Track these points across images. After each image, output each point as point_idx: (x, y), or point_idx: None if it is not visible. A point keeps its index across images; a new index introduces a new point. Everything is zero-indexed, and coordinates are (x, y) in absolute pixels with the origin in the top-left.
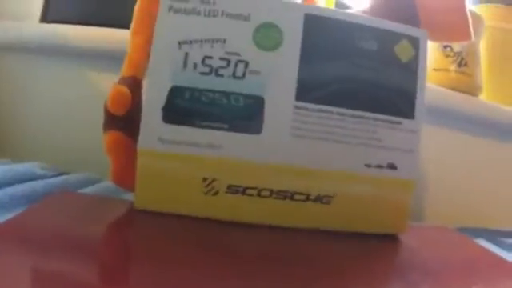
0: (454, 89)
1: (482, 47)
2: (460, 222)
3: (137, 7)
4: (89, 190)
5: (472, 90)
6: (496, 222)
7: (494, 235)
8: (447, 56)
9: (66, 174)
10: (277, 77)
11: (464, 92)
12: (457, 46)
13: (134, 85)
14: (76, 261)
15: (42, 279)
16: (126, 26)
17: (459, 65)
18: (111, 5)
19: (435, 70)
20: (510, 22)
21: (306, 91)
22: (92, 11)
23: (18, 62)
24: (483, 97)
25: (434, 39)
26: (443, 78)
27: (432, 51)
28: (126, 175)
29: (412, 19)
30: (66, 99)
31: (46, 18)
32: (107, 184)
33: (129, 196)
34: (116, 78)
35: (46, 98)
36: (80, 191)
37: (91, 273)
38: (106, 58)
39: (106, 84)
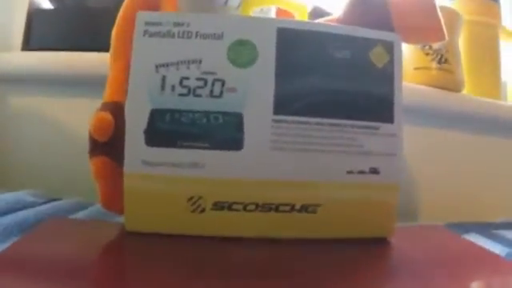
0: (436, 86)
1: (462, 42)
2: (454, 217)
3: (114, 33)
4: (80, 214)
5: (454, 86)
6: (490, 215)
7: (486, 228)
8: (427, 54)
9: (57, 199)
10: (254, 92)
11: (446, 89)
12: (436, 44)
13: (116, 109)
14: (72, 286)
15: None
16: (108, 48)
17: (439, 62)
18: (92, 29)
19: (416, 68)
20: (488, 16)
21: (283, 104)
22: (74, 36)
23: (3, 92)
24: (466, 92)
25: (409, 42)
26: (424, 77)
27: (411, 50)
28: (114, 199)
29: (386, 24)
30: (53, 126)
31: (27, 46)
32: (98, 208)
33: (120, 218)
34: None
35: (32, 126)
36: (71, 216)
37: None
38: (91, 82)
39: (93, 109)
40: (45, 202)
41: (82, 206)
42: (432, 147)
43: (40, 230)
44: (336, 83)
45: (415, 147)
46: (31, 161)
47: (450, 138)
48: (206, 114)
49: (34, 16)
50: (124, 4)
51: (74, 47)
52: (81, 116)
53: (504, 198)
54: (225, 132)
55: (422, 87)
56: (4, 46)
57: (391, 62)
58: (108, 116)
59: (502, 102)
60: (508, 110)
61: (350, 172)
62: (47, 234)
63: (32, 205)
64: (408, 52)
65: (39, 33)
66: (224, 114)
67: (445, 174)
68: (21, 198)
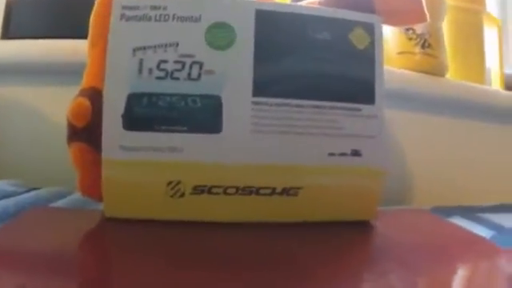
0: (419, 71)
1: (445, 27)
2: (438, 202)
3: (92, 19)
4: (60, 203)
5: (438, 71)
6: (474, 200)
7: (471, 212)
8: (410, 39)
9: (37, 189)
10: (232, 75)
11: (430, 73)
12: (419, 28)
13: (93, 95)
14: (55, 275)
15: None
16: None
17: (423, 46)
18: (71, 16)
19: (399, 53)
20: (472, 2)
21: (262, 86)
22: (53, 24)
23: None
24: (449, 76)
25: (391, 24)
26: (408, 61)
27: (394, 35)
28: (93, 186)
29: (367, 6)
30: (34, 115)
31: (6, 34)
32: (78, 196)
33: (100, 206)
34: None
35: (13, 116)
36: (52, 205)
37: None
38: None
39: (73, 97)
40: (25, 192)
41: (62, 195)
42: (415, 132)
43: (20, 219)
44: (316, 65)
45: (398, 132)
46: (13, 151)
47: (434, 123)
48: (184, 97)
49: (13, 5)
50: None
51: (53, 35)
52: (61, 104)
53: (488, 183)
54: (203, 115)
55: (406, 72)
56: None
57: (372, 43)
58: (85, 101)
59: (485, 87)
60: (492, 94)
61: (331, 154)
62: (28, 222)
63: (12, 194)
64: (391, 37)
65: (18, 21)
66: (202, 96)
67: (428, 158)
68: (0, 188)
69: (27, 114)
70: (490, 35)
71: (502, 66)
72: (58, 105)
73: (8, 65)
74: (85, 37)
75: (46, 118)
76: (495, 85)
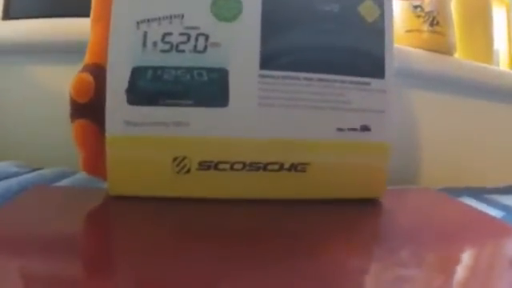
0: (427, 49)
1: (454, 8)
2: (445, 181)
3: None
4: (63, 182)
5: (446, 49)
6: (483, 180)
7: (479, 193)
8: (418, 16)
9: (40, 169)
10: (239, 47)
11: (438, 51)
12: (427, 6)
13: (96, 71)
14: (58, 254)
15: (25, 275)
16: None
17: (431, 24)
18: None
19: (407, 31)
20: None
21: (270, 59)
22: (54, 3)
23: None
24: (457, 56)
25: None
26: (416, 39)
27: (402, 12)
28: (96, 163)
29: None
30: (37, 95)
31: (8, 15)
32: (82, 176)
33: (105, 184)
34: None
35: (16, 96)
36: (55, 185)
37: (74, 265)
38: (74, 49)
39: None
40: (28, 172)
41: (66, 174)
42: (422, 110)
43: (23, 198)
44: (324, 38)
45: (406, 110)
46: (17, 131)
47: (441, 102)
48: (190, 70)
49: None
50: None
51: (54, 14)
52: (65, 83)
53: (495, 163)
54: (209, 88)
55: (414, 50)
56: None
57: (382, 16)
58: (88, 76)
59: (493, 67)
60: (499, 74)
61: (340, 129)
62: (30, 201)
63: (15, 175)
64: (399, 14)
65: (19, 1)
66: (208, 69)
67: (435, 138)
68: (4, 169)
69: (30, 94)
70: (499, 16)
71: (510, 47)
72: (61, 84)
73: (10, 45)
74: (87, 15)
75: (49, 98)
76: (503, 66)
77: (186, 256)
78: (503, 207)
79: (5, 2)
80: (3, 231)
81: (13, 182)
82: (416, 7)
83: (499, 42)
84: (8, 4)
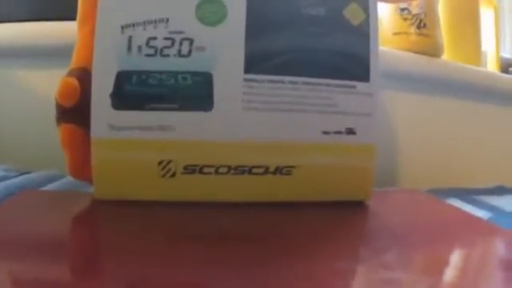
0: (415, 51)
1: (441, 9)
2: (434, 183)
3: None
4: (51, 186)
5: (434, 52)
6: (470, 181)
7: (467, 194)
8: (405, 19)
9: (28, 173)
10: (223, 51)
11: (426, 54)
12: (415, 8)
13: (82, 75)
14: (45, 257)
15: (12, 278)
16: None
17: (418, 27)
18: None
19: (395, 34)
20: None
21: (254, 63)
22: (39, 6)
23: None
24: (445, 57)
25: (386, 0)
26: (404, 42)
27: (390, 15)
28: (82, 167)
29: None
30: (22, 99)
31: None
32: (69, 180)
33: (91, 189)
34: None
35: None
36: (43, 189)
37: (61, 268)
38: (60, 53)
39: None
40: (16, 176)
41: (54, 178)
42: (410, 112)
43: (10, 203)
44: (310, 41)
45: (394, 112)
46: (3, 134)
47: (430, 104)
48: (174, 74)
49: None
50: None
51: (40, 17)
52: (50, 88)
53: (482, 163)
54: (194, 92)
55: (401, 52)
56: None
57: (367, 20)
58: (73, 81)
59: (481, 69)
60: (487, 76)
61: (325, 132)
62: (17, 205)
63: (2, 179)
64: (387, 17)
65: (4, 5)
66: (193, 73)
67: (423, 140)
68: None
69: (15, 97)
70: (487, 17)
71: (498, 50)
72: (47, 88)
73: None
74: (73, 18)
75: (36, 101)
76: (491, 67)
77: (172, 259)
78: (491, 208)
79: None
80: None
81: (0, 187)
82: (403, 10)
83: (487, 44)
84: None
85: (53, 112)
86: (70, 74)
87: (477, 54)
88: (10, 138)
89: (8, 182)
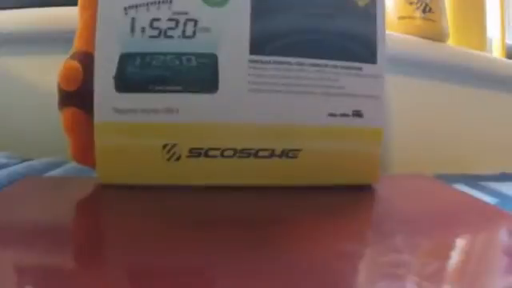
0: (420, 36)
1: None
2: (438, 169)
3: None
4: (54, 173)
5: (439, 36)
6: (473, 168)
7: (473, 180)
8: (411, 3)
9: (30, 160)
10: (228, 32)
11: (431, 39)
12: None
13: (85, 59)
14: (47, 245)
15: (16, 265)
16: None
17: (424, 11)
18: None
19: (400, 18)
20: None
21: (260, 44)
22: None
23: None
24: (451, 43)
25: None
26: (409, 26)
27: (395, 0)
28: (86, 152)
29: None
30: (23, 86)
31: None
32: (72, 165)
33: (95, 174)
34: None
35: (4, 87)
36: (45, 175)
37: (66, 254)
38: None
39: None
40: (18, 163)
41: (56, 165)
42: (415, 97)
43: (13, 189)
44: (316, 22)
45: (398, 97)
46: (5, 123)
47: (434, 89)
48: (179, 55)
49: None
50: None
51: (41, 3)
52: (52, 72)
53: (486, 149)
54: (198, 74)
55: (407, 36)
56: None
57: (373, 1)
58: (75, 64)
59: (486, 54)
60: (493, 62)
61: (332, 115)
62: (20, 192)
63: (5, 166)
64: (392, 1)
65: None
66: (197, 55)
67: (427, 125)
68: None
69: (13, 84)
70: (492, 3)
71: (503, 36)
72: (47, 73)
73: None
74: (74, 4)
75: (37, 88)
76: (496, 53)
77: (177, 243)
78: (497, 194)
79: None
80: None
81: (2, 174)
82: None
83: (493, 30)
84: None
85: (54, 98)
86: (72, 57)
87: (482, 40)
88: (10, 126)
89: (10, 169)
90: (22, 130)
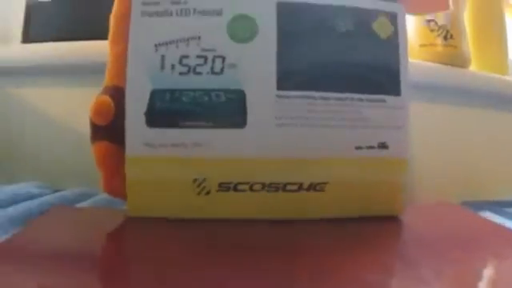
0: (442, 63)
1: (467, 18)
2: (464, 194)
3: (112, 16)
4: (84, 204)
5: (461, 62)
6: (497, 194)
7: (497, 206)
8: (432, 30)
9: (62, 190)
10: (255, 68)
11: (453, 65)
12: (441, 19)
13: (116, 93)
14: (75, 274)
15: None
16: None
17: (445, 38)
18: (91, 17)
19: (421, 45)
20: None
21: (286, 79)
22: (73, 26)
23: (5, 85)
24: (472, 68)
25: (413, 11)
26: (430, 53)
27: (416, 27)
28: (117, 185)
29: None
30: (57, 117)
31: (27, 38)
32: (103, 197)
33: (125, 206)
34: None
35: (35, 118)
36: (76, 206)
37: (94, 285)
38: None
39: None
40: (49, 193)
41: (87, 196)
42: (439, 124)
43: (44, 219)
44: (339, 56)
45: (422, 124)
46: (34, 153)
47: (458, 114)
48: (208, 91)
49: (33, 7)
50: None
51: (74, 37)
52: (84, 105)
53: (510, 174)
54: (227, 109)
55: (429, 64)
56: (4, 39)
57: (396, 32)
58: (107, 99)
59: (508, 78)
60: None
61: (358, 148)
62: (51, 222)
63: (36, 196)
64: (413, 29)
65: (39, 24)
66: (226, 91)
67: (453, 150)
68: (25, 190)
69: (47, 115)
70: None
71: None
72: (80, 105)
73: (28, 67)
74: (105, 37)
75: (67, 120)
76: None
77: (206, 275)
78: None
79: (25, 25)
80: (25, 252)
81: (34, 204)
82: (429, 21)
83: None
84: (28, 27)
85: (85, 130)
86: (104, 91)
87: (503, 63)
88: (38, 156)
89: (42, 199)
90: (56, 159)
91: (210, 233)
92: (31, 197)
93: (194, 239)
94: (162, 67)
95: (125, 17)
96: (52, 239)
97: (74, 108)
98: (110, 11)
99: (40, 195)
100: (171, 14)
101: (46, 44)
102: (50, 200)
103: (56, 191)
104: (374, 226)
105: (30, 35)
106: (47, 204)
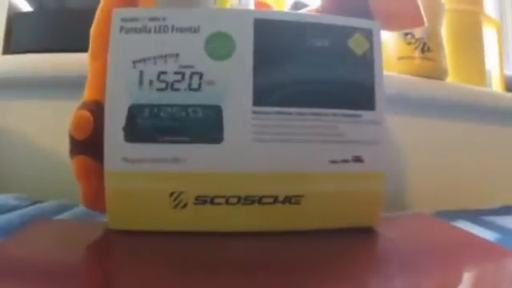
0: (420, 75)
1: (445, 31)
2: (443, 206)
3: (92, 31)
4: (63, 216)
5: (438, 75)
6: (478, 203)
7: (473, 215)
8: (409, 43)
9: (40, 202)
10: (232, 84)
11: (430, 77)
12: (418, 33)
13: (95, 108)
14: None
15: None
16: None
17: (422, 51)
18: (73, 30)
19: (399, 58)
20: (470, 3)
21: (263, 95)
22: (55, 38)
23: None
24: (450, 80)
25: (388, 29)
26: (408, 66)
27: (394, 40)
28: (96, 198)
29: (364, 12)
30: (38, 129)
31: (8, 49)
32: (82, 209)
33: (104, 218)
34: None
35: (17, 131)
36: (56, 218)
37: None
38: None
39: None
40: (29, 205)
41: (67, 208)
42: (417, 136)
43: (24, 232)
44: (315, 72)
45: (401, 137)
46: (17, 165)
47: (436, 127)
48: (185, 107)
49: (14, 19)
50: (101, 3)
51: (55, 49)
52: (65, 118)
53: (491, 186)
54: (204, 125)
55: (406, 76)
56: None
57: (371, 49)
58: (86, 114)
59: (486, 89)
60: (493, 96)
61: (333, 161)
62: (32, 235)
63: (16, 208)
64: (391, 42)
65: (20, 36)
66: (203, 107)
67: (431, 163)
68: (4, 201)
69: (29, 127)
70: (489, 37)
71: (502, 68)
72: (60, 118)
73: (9, 79)
74: (86, 50)
75: (48, 132)
76: (496, 87)
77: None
78: (498, 228)
79: (5, 37)
80: (5, 265)
81: (14, 216)
82: (407, 34)
83: (491, 63)
84: (9, 39)
85: (61, 143)
86: (83, 106)
87: (481, 74)
88: (24, 169)
89: (22, 211)
90: (36, 172)
91: (189, 246)
92: (10, 208)
93: (174, 252)
94: (141, 83)
95: (104, 32)
96: (34, 253)
97: (55, 120)
98: (91, 23)
99: (19, 207)
100: (150, 31)
101: (27, 56)
102: (30, 211)
103: (35, 203)
104: (348, 238)
105: (10, 47)
106: (27, 216)
